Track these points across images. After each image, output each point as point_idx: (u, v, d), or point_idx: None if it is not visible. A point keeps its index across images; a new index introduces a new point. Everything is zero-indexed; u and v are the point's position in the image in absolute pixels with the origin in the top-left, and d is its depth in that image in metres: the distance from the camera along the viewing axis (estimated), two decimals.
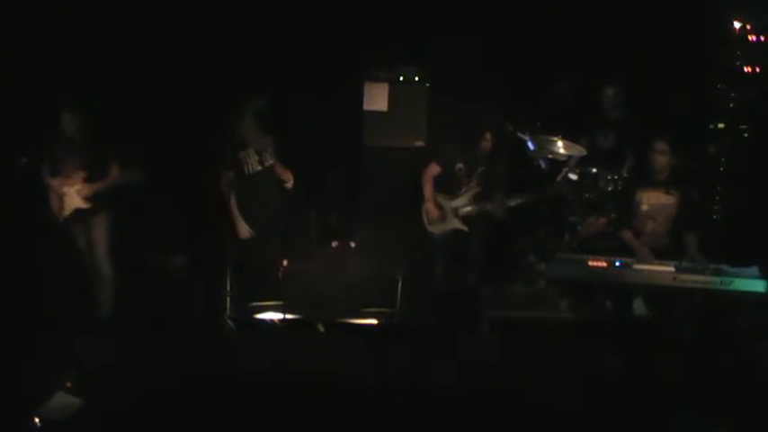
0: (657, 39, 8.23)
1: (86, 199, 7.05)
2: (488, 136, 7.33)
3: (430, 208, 7.45)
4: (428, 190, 7.44)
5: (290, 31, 8.37)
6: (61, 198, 7.06)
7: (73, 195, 7.05)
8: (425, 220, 7.52)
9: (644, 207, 6.56)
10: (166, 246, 8.18)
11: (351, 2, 8.34)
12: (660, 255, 6.38)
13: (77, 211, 7.08)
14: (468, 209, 7.46)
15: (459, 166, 7.43)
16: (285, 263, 7.39)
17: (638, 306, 6.91)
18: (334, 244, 8.18)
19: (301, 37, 8.37)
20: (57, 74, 8.05)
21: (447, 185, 7.49)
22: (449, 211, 7.47)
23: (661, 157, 6.46)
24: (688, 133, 7.59)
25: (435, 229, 7.52)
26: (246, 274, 7.32)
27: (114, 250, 7.26)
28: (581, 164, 7.82)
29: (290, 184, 7.30)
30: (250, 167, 7.18)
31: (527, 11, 8.31)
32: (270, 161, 7.25)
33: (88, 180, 7.04)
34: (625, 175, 7.80)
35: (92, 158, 7.05)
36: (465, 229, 7.46)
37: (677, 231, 6.53)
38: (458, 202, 7.47)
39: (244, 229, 7.18)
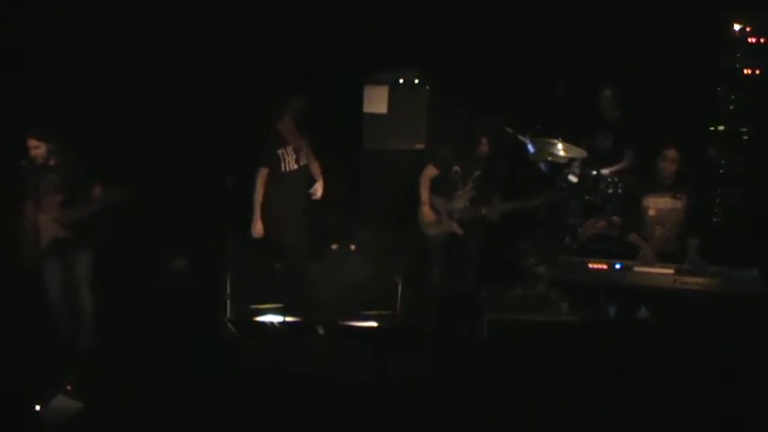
0: (658, 41, 8.23)
1: (65, 227, 6.42)
2: (485, 139, 7.30)
3: (425, 210, 7.43)
4: (424, 192, 7.42)
5: (290, 33, 8.36)
6: (36, 228, 6.41)
7: (49, 224, 6.39)
8: (421, 223, 7.50)
9: (651, 212, 6.54)
10: (167, 248, 8.16)
11: (351, 4, 8.33)
12: (669, 260, 6.35)
13: (55, 241, 6.43)
14: (463, 212, 7.43)
15: (456, 168, 7.40)
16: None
17: (639, 309, 6.90)
18: (334, 247, 8.17)
19: (301, 39, 8.37)
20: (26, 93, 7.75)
21: (444, 188, 7.47)
22: (444, 214, 7.45)
23: (671, 165, 6.44)
24: (688, 136, 7.58)
25: (431, 231, 7.49)
26: (250, 276, 7.33)
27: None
28: (582, 166, 7.82)
29: (317, 194, 7.36)
30: (287, 165, 7.18)
31: (527, 13, 8.30)
32: (304, 161, 7.30)
33: (66, 205, 6.42)
34: (625, 177, 7.80)
35: (69, 181, 6.43)
36: (460, 232, 7.42)
37: (685, 235, 6.50)
38: (453, 205, 7.44)
39: (258, 228, 7.13)
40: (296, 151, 7.21)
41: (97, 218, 6.52)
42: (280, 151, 7.15)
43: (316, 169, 7.44)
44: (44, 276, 6.55)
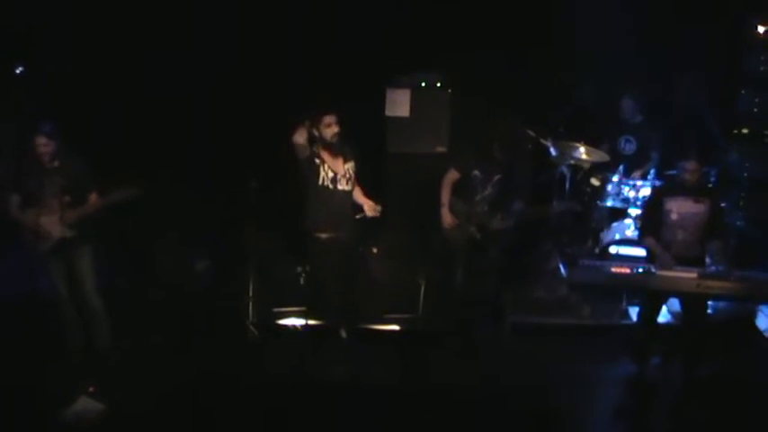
0: (680, 44, 8.20)
1: (71, 226, 6.29)
2: (496, 144, 7.28)
3: (443, 212, 7.42)
4: (445, 195, 7.40)
5: (310, 37, 8.39)
6: (38, 231, 6.28)
7: (54, 224, 6.26)
8: (443, 225, 7.50)
9: (674, 216, 6.49)
10: (190, 251, 8.21)
11: (373, 7, 8.35)
12: (692, 264, 6.32)
13: (61, 242, 6.30)
14: (482, 216, 7.40)
15: (476, 172, 7.39)
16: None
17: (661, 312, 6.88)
18: None
19: (322, 43, 8.40)
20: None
21: (465, 192, 7.45)
22: (463, 218, 7.44)
23: (692, 177, 6.41)
24: (711, 139, 7.56)
25: (453, 234, 7.49)
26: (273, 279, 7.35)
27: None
28: (602, 169, 7.80)
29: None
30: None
31: (549, 17, 8.29)
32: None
33: (72, 205, 6.28)
34: (648, 180, 7.77)
35: (74, 182, 6.29)
36: (478, 236, 7.40)
37: (707, 239, 6.47)
38: (472, 209, 7.42)
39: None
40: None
41: (101, 217, 6.43)
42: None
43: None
44: (50, 278, 6.45)
